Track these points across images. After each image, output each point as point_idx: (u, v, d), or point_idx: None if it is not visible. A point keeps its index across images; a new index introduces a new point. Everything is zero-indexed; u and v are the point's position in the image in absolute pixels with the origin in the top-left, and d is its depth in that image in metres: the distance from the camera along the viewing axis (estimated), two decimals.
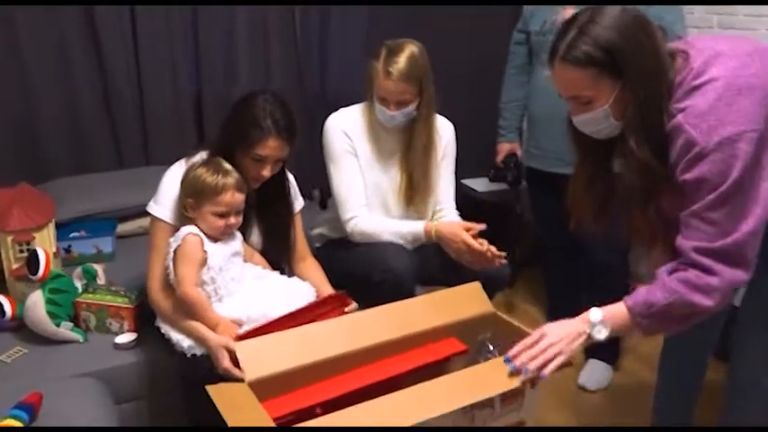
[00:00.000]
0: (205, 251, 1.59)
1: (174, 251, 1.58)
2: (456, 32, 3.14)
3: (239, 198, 1.60)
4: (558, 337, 1.30)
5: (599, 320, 1.31)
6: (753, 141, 1.18)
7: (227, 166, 1.61)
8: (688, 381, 1.77)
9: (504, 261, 1.82)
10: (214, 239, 1.62)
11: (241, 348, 1.22)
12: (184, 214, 1.61)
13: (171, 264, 1.59)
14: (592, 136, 1.35)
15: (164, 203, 1.67)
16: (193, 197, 1.58)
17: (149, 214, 1.70)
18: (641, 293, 1.30)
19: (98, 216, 2.38)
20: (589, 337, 1.31)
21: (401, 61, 1.82)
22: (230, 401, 1.11)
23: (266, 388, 1.19)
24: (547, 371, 1.26)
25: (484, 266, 1.81)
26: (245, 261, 1.72)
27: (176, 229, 1.64)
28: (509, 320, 1.44)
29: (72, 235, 2.30)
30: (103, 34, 2.52)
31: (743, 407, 1.53)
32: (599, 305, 1.33)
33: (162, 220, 1.66)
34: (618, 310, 1.32)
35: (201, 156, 1.70)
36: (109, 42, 2.54)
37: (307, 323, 1.40)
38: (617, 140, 1.32)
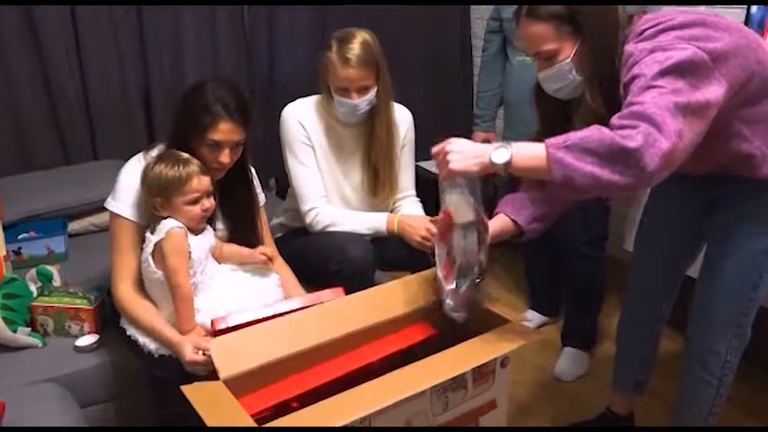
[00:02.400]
0: (189, 245, 1.56)
1: (158, 245, 1.54)
2: (406, 17, 3.17)
3: (206, 181, 1.58)
4: (460, 149, 1.26)
5: (505, 145, 1.24)
6: (690, 54, 1.20)
7: (184, 155, 1.59)
8: (642, 346, 1.85)
9: None
10: (194, 232, 1.60)
11: (215, 346, 1.21)
12: (156, 214, 1.57)
13: (150, 258, 1.55)
14: (555, 96, 1.42)
15: (123, 200, 1.62)
16: (160, 195, 1.55)
17: (107, 211, 1.64)
18: (560, 136, 1.23)
19: (47, 215, 2.30)
20: (490, 162, 1.23)
21: (356, 47, 1.81)
22: (207, 401, 1.10)
23: (242, 384, 1.19)
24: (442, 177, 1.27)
25: None
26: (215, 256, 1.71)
27: (138, 226, 1.60)
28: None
29: (21, 236, 2.22)
30: (41, 26, 2.42)
31: (700, 376, 1.62)
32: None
33: (123, 218, 1.62)
34: (531, 144, 1.25)
35: (159, 149, 1.67)
36: (47, 35, 2.44)
37: None
38: (573, 102, 1.38)
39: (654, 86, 1.20)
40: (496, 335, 1.34)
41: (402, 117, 2.05)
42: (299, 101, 2.00)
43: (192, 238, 1.57)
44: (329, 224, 1.93)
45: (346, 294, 1.58)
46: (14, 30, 2.40)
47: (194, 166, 1.57)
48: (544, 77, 1.41)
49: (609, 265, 2.36)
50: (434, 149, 1.31)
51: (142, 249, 1.59)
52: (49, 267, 1.94)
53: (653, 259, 1.76)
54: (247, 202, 1.80)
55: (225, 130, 1.59)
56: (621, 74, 1.30)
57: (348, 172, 2.01)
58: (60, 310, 1.79)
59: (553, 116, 1.49)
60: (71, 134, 2.59)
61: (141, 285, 1.62)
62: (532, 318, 2.59)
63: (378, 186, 2.01)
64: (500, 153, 1.23)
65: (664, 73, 1.20)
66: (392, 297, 1.44)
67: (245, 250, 1.74)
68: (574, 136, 1.20)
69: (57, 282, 1.93)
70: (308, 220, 1.96)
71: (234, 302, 1.57)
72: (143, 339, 1.58)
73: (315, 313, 1.34)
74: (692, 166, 1.29)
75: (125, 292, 1.61)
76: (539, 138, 1.31)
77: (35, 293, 1.83)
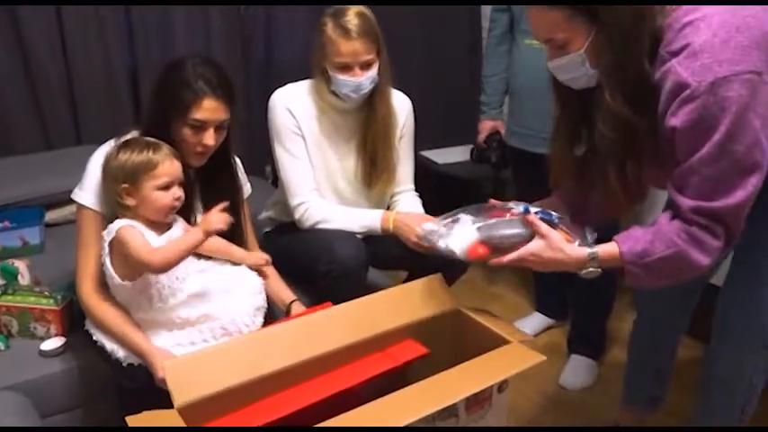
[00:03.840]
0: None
1: (110, 244, 1.41)
2: None
3: (177, 165, 1.45)
4: (543, 266, 1.27)
5: (593, 261, 1.23)
6: (750, 83, 1.06)
7: (151, 139, 1.46)
8: (658, 359, 1.70)
9: None
10: (158, 228, 1.45)
11: (169, 367, 1.06)
12: (121, 204, 1.43)
13: (108, 259, 1.41)
14: (569, 85, 1.26)
15: (90, 189, 1.49)
16: (128, 181, 1.41)
17: (74, 202, 1.52)
18: (639, 240, 1.20)
19: (22, 204, 2.15)
20: (575, 274, 1.25)
21: (354, 19, 1.66)
22: None
23: (200, 412, 1.04)
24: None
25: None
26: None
27: (104, 217, 1.47)
28: (474, 318, 1.31)
29: None
30: (24, 14, 2.27)
31: (721, 399, 1.46)
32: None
33: (88, 208, 1.48)
34: (611, 252, 1.23)
35: (134, 135, 1.52)
36: (26, 9, 2.28)
37: None
38: (596, 92, 1.21)
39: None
40: (495, 357, 1.19)
41: (401, 104, 1.89)
42: (289, 86, 1.84)
43: (153, 237, 1.42)
44: (320, 220, 1.78)
45: (335, 301, 1.45)
46: None
47: (165, 149, 1.44)
48: (554, 67, 1.25)
49: None
50: (505, 260, 1.27)
51: None
52: (15, 263, 1.80)
53: None
54: (231, 193, 1.65)
55: (209, 108, 1.46)
56: (663, 93, 1.12)
57: (342, 161, 1.86)
58: (25, 310, 1.65)
59: (573, 105, 1.32)
60: (52, 117, 2.44)
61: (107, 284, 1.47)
62: (538, 321, 2.44)
63: (374, 175, 1.85)
64: (590, 273, 1.24)
65: (730, 132, 1.07)
66: (380, 309, 1.28)
67: (237, 251, 1.61)
68: (652, 252, 1.18)
69: (25, 278, 1.80)
70: (297, 216, 1.81)
71: (209, 310, 1.42)
72: (111, 345, 1.44)
73: (287, 330, 1.19)
74: None
75: (89, 292, 1.47)
76: (561, 122, 1.29)
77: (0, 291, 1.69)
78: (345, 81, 1.71)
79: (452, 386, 1.10)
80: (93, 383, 1.62)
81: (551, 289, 2.45)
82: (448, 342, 1.34)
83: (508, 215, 1.31)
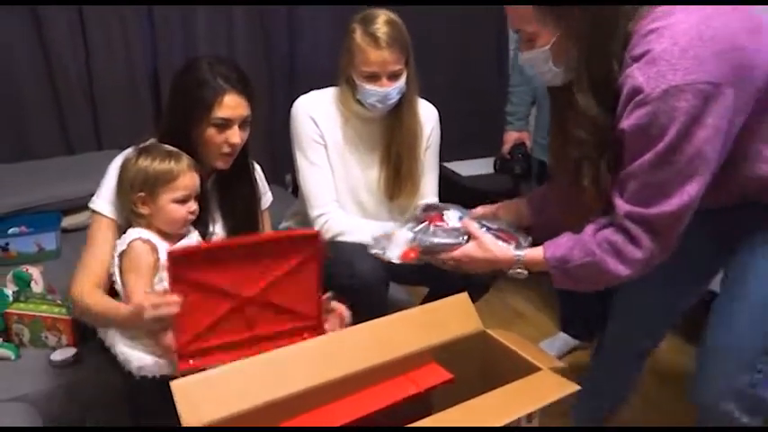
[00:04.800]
0: (157, 256, 1.37)
1: (120, 257, 1.37)
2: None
3: (196, 179, 1.42)
4: (474, 266, 1.36)
5: (519, 263, 1.31)
6: (703, 94, 1.04)
7: (172, 148, 1.42)
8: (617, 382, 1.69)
9: None
10: (170, 239, 1.41)
11: (176, 388, 1.00)
12: (135, 211, 1.39)
13: (117, 270, 1.37)
14: (543, 79, 1.28)
15: (107, 197, 1.45)
16: (145, 189, 1.37)
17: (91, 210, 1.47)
18: (561, 246, 1.25)
19: (40, 209, 2.13)
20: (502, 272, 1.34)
21: (383, 27, 1.60)
22: None
23: None
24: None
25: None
26: None
27: (116, 224, 1.43)
28: (501, 341, 1.23)
29: (11, 231, 2.06)
30: (45, 14, 2.26)
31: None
32: None
33: (104, 216, 1.44)
34: (536, 256, 1.29)
35: (153, 141, 1.49)
36: (49, 12, 2.26)
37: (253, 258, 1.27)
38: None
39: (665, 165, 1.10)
40: (526, 385, 1.11)
41: (428, 114, 1.82)
42: (312, 93, 1.78)
43: (165, 248, 1.37)
44: (339, 232, 1.72)
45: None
46: (14, 8, 2.23)
47: (186, 160, 1.40)
48: (523, 59, 1.27)
49: None
50: (442, 257, 1.36)
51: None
52: (29, 269, 1.77)
53: (642, 301, 1.53)
54: (250, 200, 1.61)
55: (231, 105, 1.43)
56: (622, 96, 1.12)
57: (365, 171, 1.80)
58: (37, 318, 1.61)
59: (562, 102, 1.30)
60: (72, 120, 2.44)
61: (106, 288, 1.40)
62: (563, 342, 2.35)
63: (397, 187, 1.79)
64: (519, 273, 1.32)
65: (676, 142, 1.08)
66: (399, 331, 1.21)
67: None
68: (571, 258, 1.23)
69: (38, 285, 1.76)
70: (316, 228, 1.74)
71: None
72: (123, 355, 1.38)
73: (303, 350, 1.12)
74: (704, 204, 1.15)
75: (82, 287, 1.38)
76: (555, 120, 1.32)
77: (11, 299, 1.65)
78: (372, 91, 1.65)
79: (480, 417, 1.03)
80: (104, 396, 1.57)
81: (577, 309, 2.35)
82: (473, 366, 1.26)
83: (445, 223, 1.40)
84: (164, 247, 1.39)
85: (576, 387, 1.11)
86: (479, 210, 1.49)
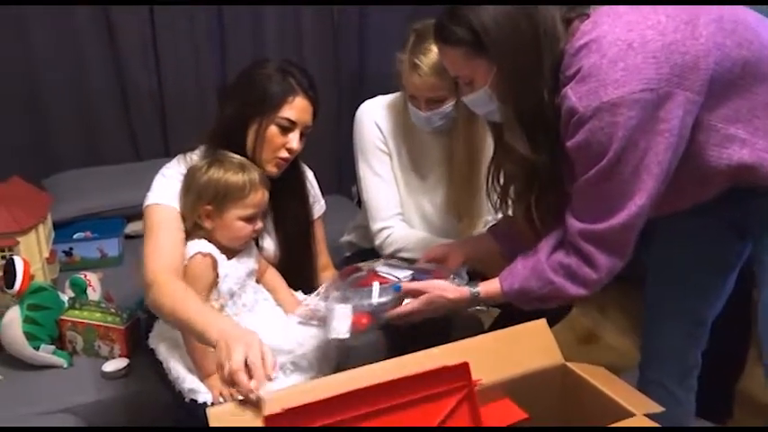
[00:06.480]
0: (217, 273, 1.30)
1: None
2: None
3: (266, 196, 1.35)
4: (435, 311, 1.29)
5: (476, 300, 1.29)
6: (639, 104, 1.02)
7: (243, 159, 1.35)
8: None
9: None
10: (231, 254, 1.34)
11: (214, 416, 0.90)
12: (198, 223, 1.33)
13: None
14: (491, 120, 1.28)
15: (159, 192, 1.37)
16: (214, 203, 1.30)
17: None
18: (518, 276, 1.23)
19: (104, 214, 2.12)
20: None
21: (432, 51, 1.42)
22: None
23: None
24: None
25: None
26: (257, 281, 1.44)
27: (180, 213, 1.35)
28: (586, 378, 1.07)
29: (77, 236, 2.05)
30: (118, 21, 2.27)
31: None
32: None
33: (162, 204, 1.35)
34: (494, 290, 1.27)
35: (202, 150, 1.42)
36: (123, 28, 2.29)
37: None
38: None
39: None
40: None
41: None
42: (378, 98, 1.68)
43: (225, 262, 1.30)
44: (400, 248, 1.60)
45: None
46: (90, 23, 2.26)
47: (258, 173, 1.33)
48: (467, 102, 1.25)
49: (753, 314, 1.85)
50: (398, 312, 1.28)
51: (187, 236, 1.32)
52: (86, 275, 1.73)
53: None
54: (302, 213, 1.53)
55: (300, 108, 1.37)
56: (561, 118, 1.10)
57: (430, 185, 1.66)
58: (90, 326, 1.57)
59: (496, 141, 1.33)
60: (141, 126, 2.43)
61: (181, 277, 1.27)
62: None
63: (463, 202, 1.64)
64: (479, 310, 1.34)
65: (618, 157, 1.06)
66: (469, 360, 1.06)
67: (291, 297, 1.45)
68: (530, 289, 1.21)
69: (96, 293, 1.72)
70: (377, 242, 1.63)
71: (276, 342, 1.26)
72: (176, 374, 1.31)
73: (354, 378, 0.99)
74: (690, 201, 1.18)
75: (162, 269, 1.23)
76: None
77: (66, 305, 1.61)
78: (414, 111, 1.53)
79: None
80: (153, 412, 1.50)
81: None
82: (551, 405, 1.10)
83: (377, 282, 1.31)
84: (223, 261, 1.32)
85: None
86: (431, 254, 1.43)
